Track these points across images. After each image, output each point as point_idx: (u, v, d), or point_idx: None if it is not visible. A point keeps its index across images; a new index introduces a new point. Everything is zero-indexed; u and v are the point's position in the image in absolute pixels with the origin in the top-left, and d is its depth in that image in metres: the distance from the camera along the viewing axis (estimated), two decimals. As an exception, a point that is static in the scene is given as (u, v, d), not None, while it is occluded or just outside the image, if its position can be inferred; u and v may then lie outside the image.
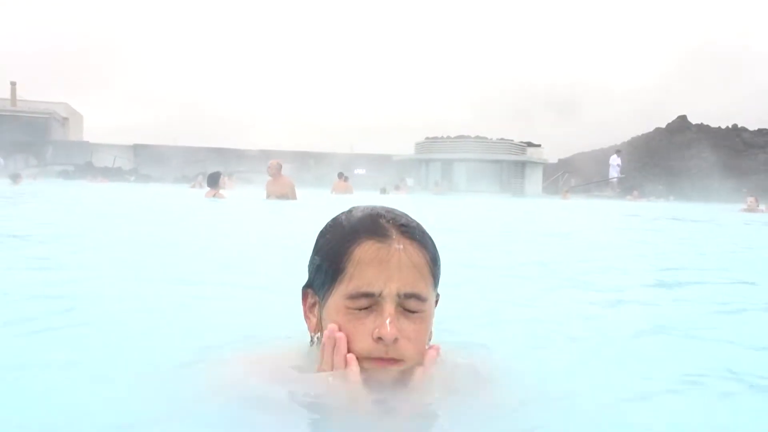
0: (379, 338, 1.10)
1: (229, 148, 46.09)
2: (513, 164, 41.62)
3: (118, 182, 27.82)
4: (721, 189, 32.32)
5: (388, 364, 1.13)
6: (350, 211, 1.21)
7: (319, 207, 10.47)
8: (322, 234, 1.23)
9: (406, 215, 1.21)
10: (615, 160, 24.67)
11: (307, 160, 49.09)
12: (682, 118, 56.88)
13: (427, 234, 1.21)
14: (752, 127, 52.49)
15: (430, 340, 1.21)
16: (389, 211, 1.18)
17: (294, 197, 10.99)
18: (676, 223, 11.60)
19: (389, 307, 1.10)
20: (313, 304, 1.23)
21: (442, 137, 43.95)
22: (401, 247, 1.12)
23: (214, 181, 10.99)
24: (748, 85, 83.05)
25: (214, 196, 10.78)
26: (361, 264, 1.11)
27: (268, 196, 11.01)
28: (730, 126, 54.32)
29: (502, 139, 43.43)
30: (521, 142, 43.80)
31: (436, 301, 1.23)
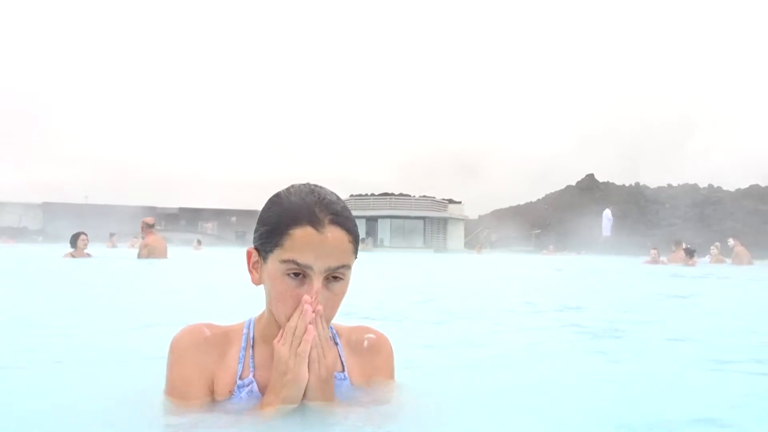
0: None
1: (146, 205, 44.69)
2: (436, 221, 42.74)
3: (25, 243, 26.15)
4: (628, 243, 34.32)
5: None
6: (290, 191, 1.47)
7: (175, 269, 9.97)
8: (267, 208, 1.47)
9: (336, 200, 1.46)
10: (608, 215, 25.14)
11: (228, 216, 48.22)
12: (590, 177, 60.79)
13: (351, 218, 1.47)
14: (653, 185, 56.86)
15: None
16: (323, 198, 1.43)
17: (164, 256, 10.93)
18: (595, 275, 12.20)
19: (317, 283, 1.40)
20: (256, 262, 1.48)
21: (366, 194, 44.72)
22: (331, 235, 1.39)
23: (73, 241, 10.73)
24: (648, 146, 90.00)
25: (72, 256, 10.48)
26: (298, 244, 1.38)
27: (139, 256, 10.86)
28: (633, 184, 58.52)
29: (424, 196, 44.69)
30: (443, 199, 45.25)
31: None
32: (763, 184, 49.05)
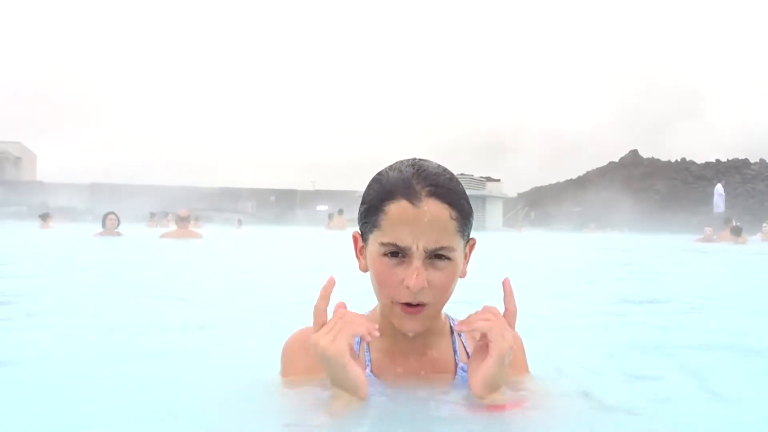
0: (407, 287, 1.29)
1: (189, 186, 45.53)
2: (473, 199, 42.01)
3: (75, 223, 27.00)
4: (674, 221, 33.39)
5: (414, 311, 1.32)
6: (392, 166, 1.37)
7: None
8: (369, 185, 1.38)
9: (440, 172, 1.34)
10: (720, 190, 23.76)
11: (267, 196, 48.81)
12: (634, 153, 59.06)
13: (457, 190, 1.34)
14: (699, 161, 54.94)
15: (463, 276, 1.39)
16: (423, 170, 1.32)
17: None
18: (642, 255, 11.92)
19: (416, 262, 1.28)
20: (362, 247, 1.41)
21: (403, 173, 44.48)
22: (428, 209, 1.27)
23: (103, 221, 11.19)
24: (694, 121, 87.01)
25: (102, 235, 10.87)
26: (394, 221, 1.28)
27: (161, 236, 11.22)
28: (679, 159, 56.66)
29: (461, 174, 44.11)
30: (481, 176, 44.71)
31: (472, 246, 1.42)
32: (818, 159, 46.89)
